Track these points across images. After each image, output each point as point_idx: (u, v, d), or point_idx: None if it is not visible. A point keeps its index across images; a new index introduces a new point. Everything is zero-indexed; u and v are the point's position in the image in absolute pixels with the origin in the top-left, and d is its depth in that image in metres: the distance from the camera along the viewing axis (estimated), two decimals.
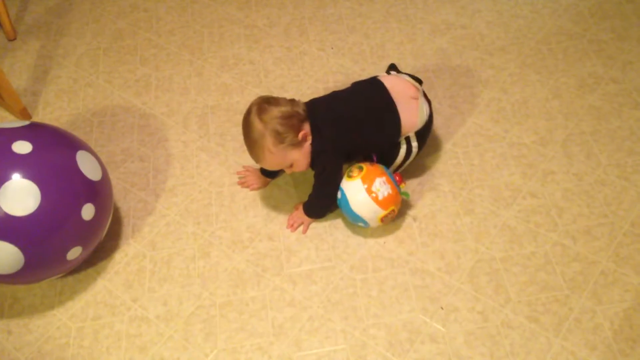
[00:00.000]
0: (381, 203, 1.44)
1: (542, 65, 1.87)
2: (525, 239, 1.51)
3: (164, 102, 1.90)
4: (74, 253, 1.38)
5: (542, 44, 1.93)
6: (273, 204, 1.64)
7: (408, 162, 1.57)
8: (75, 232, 1.35)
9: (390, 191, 1.45)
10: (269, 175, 1.65)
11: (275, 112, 1.39)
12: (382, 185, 1.44)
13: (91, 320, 1.47)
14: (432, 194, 1.60)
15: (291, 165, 1.47)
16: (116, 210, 1.65)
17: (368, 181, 1.44)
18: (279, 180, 1.68)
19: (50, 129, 1.40)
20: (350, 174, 1.48)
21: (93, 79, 1.98)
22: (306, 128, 1.43)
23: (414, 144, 1.53)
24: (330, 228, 1.58)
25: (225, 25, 2.10)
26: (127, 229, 1.62)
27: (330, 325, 1.41)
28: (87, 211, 1.35)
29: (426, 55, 1.93)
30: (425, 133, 1.55)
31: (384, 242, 1.54)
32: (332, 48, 1.98)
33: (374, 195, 1.43)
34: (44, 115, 1.89)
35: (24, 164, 1.28)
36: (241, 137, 1.75)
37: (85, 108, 1.90)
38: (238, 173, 1.68)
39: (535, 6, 2.04)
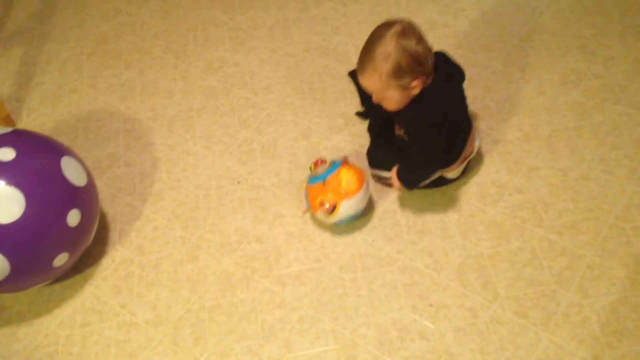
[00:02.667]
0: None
1: (526, 62, 1.88)
2: (512, 234, 1.52)
3: (149, 106, 1.88)
4: (61, 260, 1.37)
5: (525, 41, 1.94)
6: (261, 205, 1.64)
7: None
8: (61, 238, 1.34)
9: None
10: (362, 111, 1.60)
11: (413, 45, 1.31)
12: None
13: (80, 327, 1.46)
14: (420, 192, 1.61)
15: (383, 98, 1.40)
16: (103, 216, 1.64)
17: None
18: (266, 180, 1.68)
19: (34, 136, 1.39)
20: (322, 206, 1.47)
21: (77, 85, 1.97)
22: (422, 81, 1.36)
23: (427, 181, 1.52)
24: (319, 228, 1.58)
25: (209, 28, 2.09)
26: (114, 235, 1.61)
27: (320, 326, 1.41)
28: (73, 217, 1.34)
29: None
30: (441, 184, 1.57)
31: (373, 241, 1.54)
32: (317, 49, 1.98)
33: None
34: (28, 121, 1.87)
35: (7, 171, 1.26)
36: (228, 139, 1.77)
37: (69, 114, 1.89)
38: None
39: (518, 4, 2.05)
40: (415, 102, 1.40)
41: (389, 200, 1.61)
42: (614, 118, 1.72)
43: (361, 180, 1.49)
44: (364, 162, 1.65)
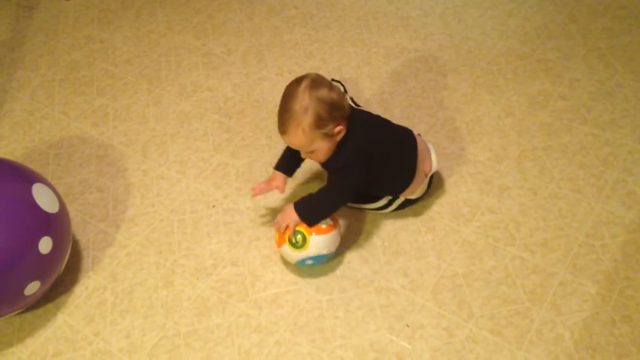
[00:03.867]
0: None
1: (494, 84, 1.93)
2: (486, 253, 1.54)
3: (122, 131, 1.88)
4: (32, 288, 1.35)
5: (493, 64, 1.99)
6: (236, 229, 1.63)
7: (372, 210, 1.61)
8: (32, 266, 1.31)
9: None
10: (286, 169, 1.55)
11: (326, 95, 1.33)
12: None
13: (52, 357, 1.42)
14: (393, 213, 1.62)
15: (312, 152, 1.40)
16: (75, 243, 1.62)
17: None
18: (241, 204, 1.68)
19: (4, 163, 1.37)
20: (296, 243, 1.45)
21: (49, 111, 1.95)
22: (345, 124, 1.38)
23: (393, 206, 1.58)
24: None
25: (182, 54, 2.10)
26: (86, 262, 1.59)
27: (298, 349, 1.40)
28: (45, 245, 1.32)
29: (382, 77, 1.97)
30: (408, 204, 1.60)
31: (349, 262, 1.55)
32: (290, 73, 2.01)
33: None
34: None
35: None
36: (202, 164, 1.77)
37: (41, 140, 1.87)
38: (253, 189, 1.55)
39: (484, 28, 2.11)
40: (340, 146, 1.41)
41: (364, 221, 1.62)
42: (581, 138, 1.77)
43: (334, 220, 1.48)
44: None
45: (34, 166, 1.79)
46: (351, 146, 1.41)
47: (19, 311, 1.44)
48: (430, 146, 1.59)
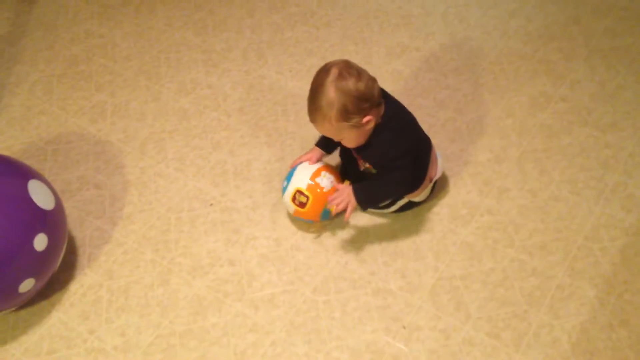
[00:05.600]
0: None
1: (495, 85, 1.92)
2: (484, 255, 1.53)
3: (121, 128, 1.87)
4: (27, 285, 1.34)
5: (494, 64, 1.98)
6: (233, 227, 1.62)
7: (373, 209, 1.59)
8: (27, 263, 1.31)
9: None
10: (325, 147, 1.57)
11: (353, 86, 1.32)
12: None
13: (46, 355, 1.42)
14: (391, 214, 1.61)
15: (342, 139, 1.42)
16: (71, 240, 1.61)
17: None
18: (239, 202, 1.67)
19: (0, 158, 1.36)
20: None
21: (47, 107, 1.94)
22: (374, 114, 1.37)
23: (395, 207, 1.57)
24: (292, 250, 1.57)
25: (182, 51, 2.09)
26: (82, 259, 1.58)
27: (293, 350, 1.40)
28: (40, 241, 1.32)
29: (383, 76, 1.96)
30: (411, 207, 1.59)
31: (346, 263, 1.54)
32: (290, 71, 1.99)
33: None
34: None
35: None
36: (200, 161, 1.76)
37: (38, 136, 1.86)
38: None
39: (486, 28, 2.10)
40: (374, 135, 1.41)
41: (362, 222, 1.61)
42: (582, 140, 1.76)
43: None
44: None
45: (31, 162, 1.78)
46: (389, 136, 1.40)
47: (14, 308, 1.43)
48: (438, 152, 1.59)
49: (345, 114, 1.33)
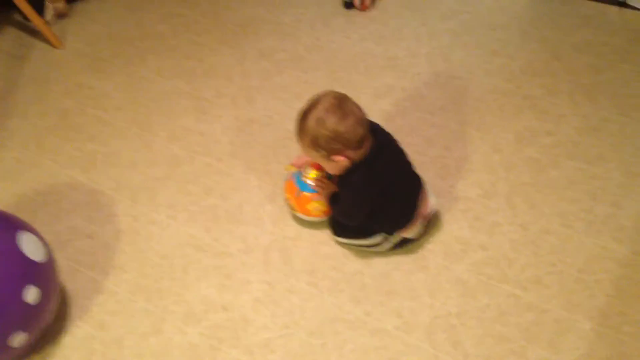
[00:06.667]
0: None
1: (481, 122, 1.94)
2: (478, 291, 1.52)
3: (112, 177, 1.87)
4: (17, 339, 1.31)
5: (480, 101, 2.01)
6: (226, 272, 1.61)
7: (365, 248, 1.61)
8: (17, 316, 1.28)
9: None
10: None
11: (331, 125, 1.36)
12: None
13: None
14: (385, 252, 1.61)
15: (319, 162, 1.49)
16: (63, 291, 1.59)
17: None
18: (232, 247, 1.66)
19: None
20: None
21: (38, 159, 1.95)
22: (348, 155, 1.41)
23: (389, 244, 1.58)
24: (287, 293, 1.55)
25: (173, 99, 2.12)
26: (75, 310, 1.56)
27: None
28: (31, 294, 1.30)
29: (371, 116, 1.96)
30: (404, 243, 1.60)
31: (342, 304, 1.52)
32: (279, 115, 2.02)
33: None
34: None
35: None
36: (192, 207, 1.78)
37: (30, 188, 1.86)
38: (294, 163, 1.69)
39: (470, 67, 2.13)
40: (349, 172, 1.46)
41: (356, 261, 1.61)
42: (569, 173, 1.77)
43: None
44: None
45: (23, 214, 1.77)
46: (356, 183, 1.45)
47: None
48: (428, 188, 1.61)
49: (315, 145, 1.40)
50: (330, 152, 1.40)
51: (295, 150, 1.89)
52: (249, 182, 1.82)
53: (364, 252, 1.62)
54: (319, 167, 1.60)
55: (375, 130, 1.46)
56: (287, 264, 1.62)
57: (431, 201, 1.59)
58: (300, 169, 1.64)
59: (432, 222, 1.66)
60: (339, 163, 1.43)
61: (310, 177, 1.61)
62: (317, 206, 1.62)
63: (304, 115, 1.40)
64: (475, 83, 2.07)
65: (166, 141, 1.97)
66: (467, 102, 2.01)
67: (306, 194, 1.61)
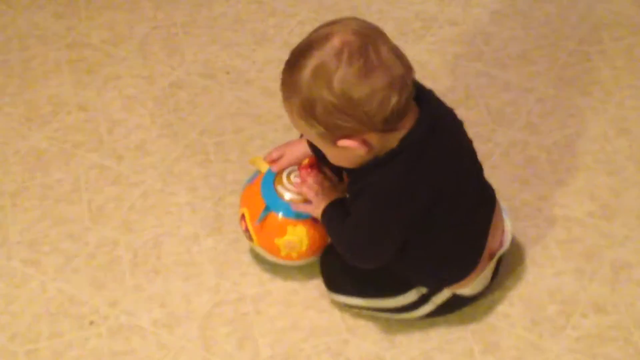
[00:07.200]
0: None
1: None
2: None
3: None
4: None
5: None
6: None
7: (390, 313, 1.64)
8: None
9: None
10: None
11: (339, 85, 1.33)
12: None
13: None
14: (429, 320, 1.63)
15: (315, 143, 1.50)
16: None
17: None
18: (143, 316, 1.68)
19: None
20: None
21: None
22: (367, 140, 1.40)
23: (429, 307, 1.61)
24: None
25: (34, 46, 2.16)
26: None
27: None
28: None
29: None
30: (456, 306, 1.64)
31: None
32: (228, 73, 2.10)
33: None
34: None
35: None
36: (70, 245, 1.79)
37: None
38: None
39: None
40: (369, 167, 1.46)
41: (373, 334, 1.65)
42: None
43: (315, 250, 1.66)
44: None
45: None
46: (384, 187, 1.44)
47: None
48: (504, 208, 1.66)
49: (308, 113, 1.37)
50: (332, 132, 1.38)
51: (269, 139, 1.95)
52: (172, 196, 1.87)
53: (387, 320, 1.64)
54: (315, 173, 1.62)
55: (422, 99, 1.44)
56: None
57: (507, 228, 1.62)
58: (278, 170, 1.67)
59: (507, 266, 1.70)
60: (348, 152, 1.42)
61: (291, 182, 1.64)
62: (294, 241, 1.63)
63: (296, 60, 1.38)
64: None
65: (20, 124, 2.03)
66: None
67: (278, 216, 1.62)
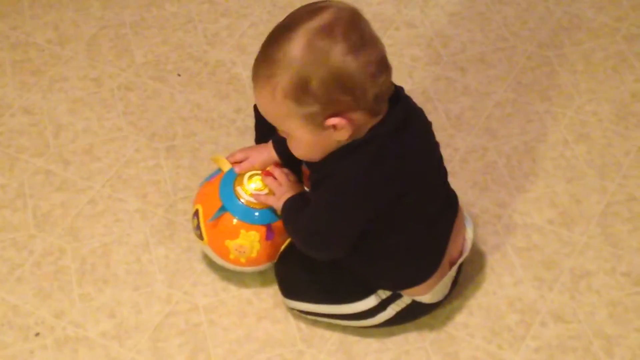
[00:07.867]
0: None
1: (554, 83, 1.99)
2: None
3: None
4: None
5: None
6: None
7: (347, 321, 1.64)
8: None
9: None
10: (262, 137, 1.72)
11: (339, 55, 1.32)
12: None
13: None
14: (387, 329, 1.62)
15: (287, 133, 1.46)
16: None
17: None
18: (90, 327, 1.66)
19: None
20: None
21: None
22: (353, 120, 1.38)
23: (388, 313, 1.60)
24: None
25: None
26: None
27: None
28: None
29: None
30: (414, 314, 1.63)
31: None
32: (180, 75, 2.09)
33: None
34: None
35: None
36: (13, 253, 1.80)
37: None
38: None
39: None
40: (340, 152, 1.45)
41: (328, 346, 1.64)
42: None
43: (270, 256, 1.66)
44: None
45: None
46: (351, 170, 1.44)
47: None
48: (467, 216, 1.67)
49: (300, 90, 1.34)
50: (326, 108, 1.36)
51: (221, 144, 1.97)
52: (122, 203, 1.87)
53: (344, 329, 1.64)
54: (280, 168, 1.65)
55: (394, 93, 1.45)
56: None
57: (468, 235, 1.62)
58: (240, 171, 1.67)
59: (466, 275, 1.70)
60: (328, 137, 1.40)
61: (253, 188, 1.64)
62: (245, 246, 1.62)
63: (282, 35, 1.36)
64: None
65: None
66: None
67: (233, 217, 1.62)
